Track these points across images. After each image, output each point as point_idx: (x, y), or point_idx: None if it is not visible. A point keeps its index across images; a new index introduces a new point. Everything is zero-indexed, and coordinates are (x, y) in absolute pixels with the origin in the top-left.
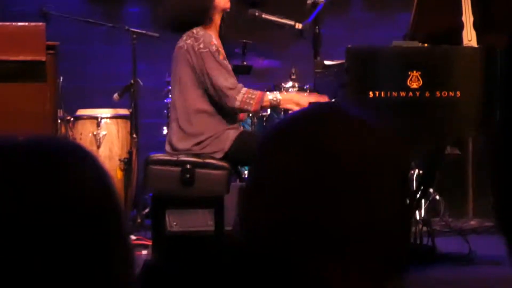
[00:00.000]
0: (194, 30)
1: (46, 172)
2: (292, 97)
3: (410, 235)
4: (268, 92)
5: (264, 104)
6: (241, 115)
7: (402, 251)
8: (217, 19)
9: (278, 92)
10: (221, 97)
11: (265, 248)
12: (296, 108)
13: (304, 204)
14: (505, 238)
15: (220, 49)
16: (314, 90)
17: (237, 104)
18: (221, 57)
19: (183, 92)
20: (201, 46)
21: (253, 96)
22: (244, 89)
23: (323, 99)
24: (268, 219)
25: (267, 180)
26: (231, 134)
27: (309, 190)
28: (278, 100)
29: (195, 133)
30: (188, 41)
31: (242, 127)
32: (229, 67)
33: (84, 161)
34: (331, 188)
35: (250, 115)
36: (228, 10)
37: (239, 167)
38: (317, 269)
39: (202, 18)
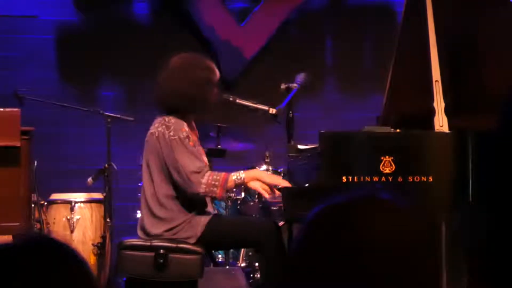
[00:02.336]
0: (166, 118)
1: (37, 273)
2: (255, 174)
3: None
4: (232, 173)
5: (229, 185)
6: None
7: None
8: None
9: (241, 171)
10: (186, 182)
11: None
12: (259, 188)
13: None
14: None
15: (190, 135)
16: (288, 173)
17: (202, 187)
18: (190, 144)
19: (151, 177)
20: (171, 133)
21: (218, 178)
22: (209, 172)
23: (285, 182)
24: None
25: (309, 275)
26: (203, 219)
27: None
28: (242, 179)
29: (166, 218)
30: (160, 128)
31: (216, 210)
32: (198, 152)
33: (72, 261)
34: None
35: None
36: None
37: (213, 251)
38: None
39: (192, 108)
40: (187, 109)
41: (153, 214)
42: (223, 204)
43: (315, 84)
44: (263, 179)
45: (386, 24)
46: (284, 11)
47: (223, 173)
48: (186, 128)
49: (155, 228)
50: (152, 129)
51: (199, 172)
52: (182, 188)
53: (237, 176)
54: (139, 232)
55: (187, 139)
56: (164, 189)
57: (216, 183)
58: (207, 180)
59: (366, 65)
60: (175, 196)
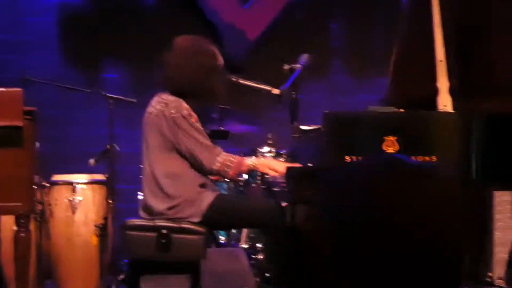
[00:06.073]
0: (163, 95)
1: None
2: (268, 163)
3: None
4: (246, 157)
5: (243, 169)
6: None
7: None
8: None
9: (255, 158)
10: (202, 157)
11: None
12: (271, 174)
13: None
14: None
15: (191, 112)
16: (291, 155)
17: (217, 165)
18: (193, 120)
19: (151, 156)
20: (173, 111)
21: (233, 160)
22: (224, 153)
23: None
24: None
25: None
26: (208, 196)
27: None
28: (255, 165)
29: (168, 195)
30: (158, 107)
31: (218, 191)
32: (202, 129)
33: None
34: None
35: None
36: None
37: (214, 231)
38: None
39: (199, 94)
40: (194, 94)
41: (155, 194)
42: (225, 185)
43: (320, 66)
44: (274, 168)
45: (393, 5)
46: None
47: (239, 156)
48: (187, 105)
49: (158, 205)
50: (150, 109)
51: (214, 148)
52: (194, 164)
53: (252, 162)
54: (141, 213)
55: (189, 116)
56: (166, 167)
57: (231, 164)
58: (223, 159)
59: (373, 47)
60: (177, 175)
